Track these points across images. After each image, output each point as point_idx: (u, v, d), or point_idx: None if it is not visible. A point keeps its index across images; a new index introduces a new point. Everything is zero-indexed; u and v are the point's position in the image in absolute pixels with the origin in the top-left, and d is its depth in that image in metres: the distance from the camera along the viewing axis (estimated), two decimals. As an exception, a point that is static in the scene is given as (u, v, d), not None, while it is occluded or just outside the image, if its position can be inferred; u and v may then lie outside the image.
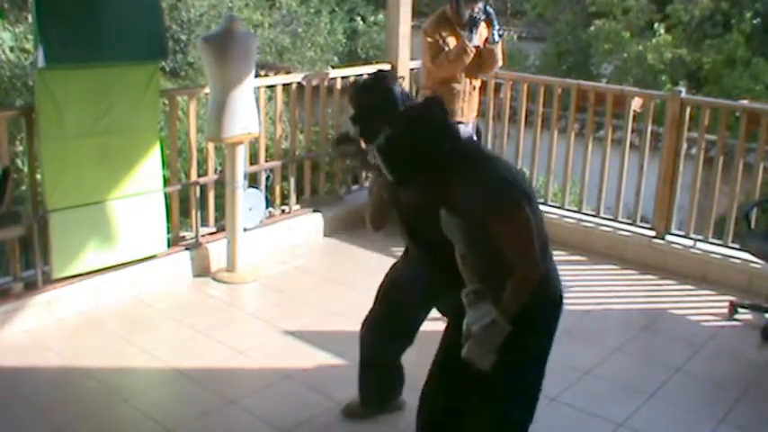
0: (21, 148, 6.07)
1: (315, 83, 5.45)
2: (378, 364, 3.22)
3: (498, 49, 4.83)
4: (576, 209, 5.53)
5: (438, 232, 2.56)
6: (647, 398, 3.61)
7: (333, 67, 8.93)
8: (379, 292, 3.16)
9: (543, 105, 5.54)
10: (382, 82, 2.96)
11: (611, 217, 5.36)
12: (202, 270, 4.77)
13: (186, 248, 4.75)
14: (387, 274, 3.18)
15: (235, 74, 4.45)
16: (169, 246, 4.64)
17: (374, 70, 3.05)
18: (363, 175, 5.42)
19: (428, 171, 2.37)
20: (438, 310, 3.12)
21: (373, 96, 2.92)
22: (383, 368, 3.25)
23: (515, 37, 13.01)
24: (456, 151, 2.38)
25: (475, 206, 2.36)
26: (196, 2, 11.14)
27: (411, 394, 3.34)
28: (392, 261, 3.27)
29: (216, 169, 5.05)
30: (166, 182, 4.63)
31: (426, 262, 2.96)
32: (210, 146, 4.87)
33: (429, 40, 4.73)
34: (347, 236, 5.34)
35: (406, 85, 5.74)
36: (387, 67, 5.67)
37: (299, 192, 5.53)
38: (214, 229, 4.98)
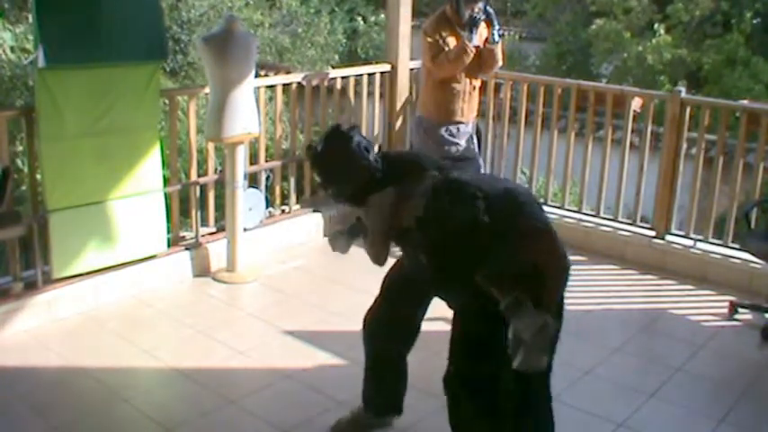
0: (21, 148, 6.07)
1: (315, 83, 5.45)
2: (379, 362, 3.18)
3: (498, 50, 4.83)
4: (576, 209, 5.53)
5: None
6: (647, 398, 3.61)
7: (333, 67, 8.92)
8: (381, 288, 3.16)
9: (543, 105, 5.54)
10: (336, 145, 2.90)
11: (611, 217, 5.36)
12: (202, 270, 4.77)
13: (186, 248, 4.75)
14: (388, 271, 3.17)
15: (235, 74, 4.45)
16: (169, 246, 4.64)
17: (327, 131, 3.01)
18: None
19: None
20: (443, 299, 3.08)
21: (333, 162, 2.89)
22: (383, 368, 3.21)
23: (516, 37, 13.00)
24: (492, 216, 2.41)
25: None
26: (196, 2, 11.13)
27: (412, 393, 3.34)
28: (392, 261, 3.26)
29: (216, 169, 5.05)
30: (166, 182, 4.63)
31: (417, 263, 2.94)
32: (210, 146, 4.87)
33: (429, 40, 4.73)
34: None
35: (406, 86, 5.75)
36: (387, 66, 5.67)
37: (299, 192, 5.53)
38: (214, 229, 4.98)
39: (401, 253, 3.05)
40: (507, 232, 2.41)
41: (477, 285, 2.51)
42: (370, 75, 5.67)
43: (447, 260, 2.45)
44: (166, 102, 4.93)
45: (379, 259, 2.97)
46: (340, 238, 3.10)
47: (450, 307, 2.95)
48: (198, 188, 4.82)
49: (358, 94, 5.71)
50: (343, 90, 5.62)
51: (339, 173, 2.89)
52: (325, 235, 5.40)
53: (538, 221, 2.51)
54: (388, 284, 3.13)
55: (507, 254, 2.41)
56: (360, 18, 13.61)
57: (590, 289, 4.80)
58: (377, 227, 2.88)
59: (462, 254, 2.42)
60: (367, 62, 9.02)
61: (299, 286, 4.72)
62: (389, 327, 3.11)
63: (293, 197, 5.41)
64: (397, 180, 2.79)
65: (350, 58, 12.40)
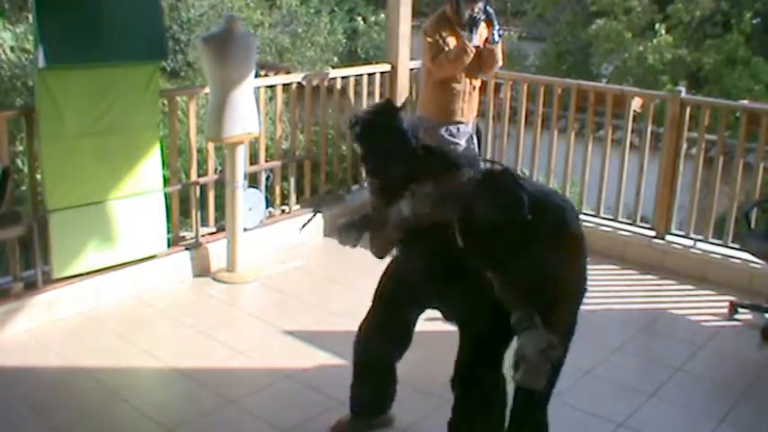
0: (21, 148, 6.06)
1: (315, 83, 5.45)
2: (371, 369, 3.14)
3: (498, 49, 4.83)
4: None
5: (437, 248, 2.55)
6: (647, 398, 3.61)
7: (333, 67, 8.92)
8: (374, 295, 3.13)
9: (543, 105, 5.54)
10: (389, 117, 2.69)
11: (611, 217, 5.36)
12: (202, 270, 4.77)
13: (186, 248, 4.75)
14: (380, 279, 3.15)
15: (235, 74, 4.45)
16: (169, 246, 4.64)
17: (379, 106, 2.75)
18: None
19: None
20: (439, 311, 3.07)
21: (385, 136, 2.68)
22: (376, 373, 3.16)
23: (516, 37, 12.99)
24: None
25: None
26: (196, 2, 11.13)
27: (412, 393, 3.35)
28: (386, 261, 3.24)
29: (216, 169, 5.05)
30: (166, 182, 4.63)
31: (416, 266, 2.92)
32: (210, 146, 4.87)
33: (429, 40, 4.73)
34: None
35: (406, 86, 5.75)
36: (387, 66, 5.68)
37: (299, 192, 5.53)
38: (214, 229, 4.98)
39: (401, 255, 3.02)
40: (544, 235, 2.35)
41: (488, 287, 2.49)
42: (370, 75, 5.68)
43: (482, 256, 2.38)
44: (166, 102, 4.93)
45: (383, 251, 2.93)
46: (349, 229, 3.00)
47: (445, 318, 2.93)
48: (198, 188, 4.82)
49: (358, 94, 5.71)
50: (343, 90, 5.62)
51: (391, 148, 2.69)
52: (325, 235, 5.41)
53: (577, 229, 2.47)
54: (381, 291, 3.10)
55: (537, 254, 2.35)
56: (360, 18, 13.59)
57: (590, 289, 4.77)
58: (401, 219, 2.75)
59: (498, 251, 2.33)
60: (367, 62, 9.01)
61: (299, 286, 4.72)
62: (385, 332, 3.06)
63: (293, 197, 5.41)
64: (437, 172, 2.68)
65: (350, 58, 12.40)
